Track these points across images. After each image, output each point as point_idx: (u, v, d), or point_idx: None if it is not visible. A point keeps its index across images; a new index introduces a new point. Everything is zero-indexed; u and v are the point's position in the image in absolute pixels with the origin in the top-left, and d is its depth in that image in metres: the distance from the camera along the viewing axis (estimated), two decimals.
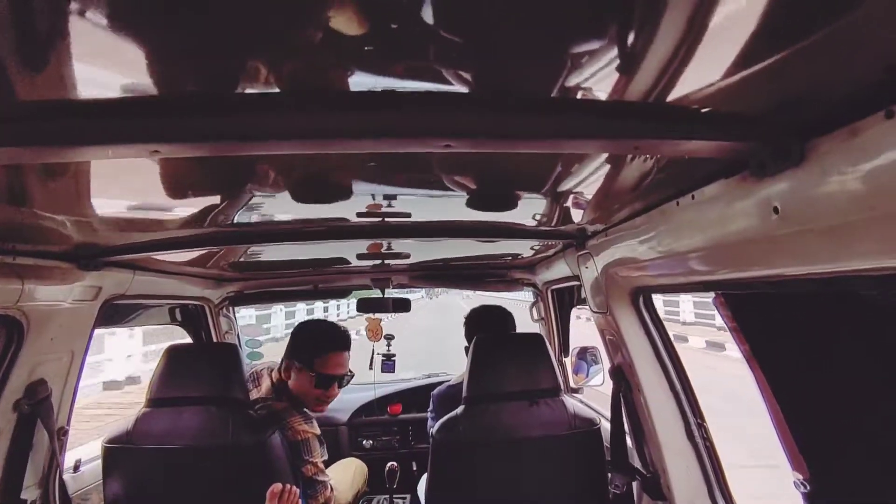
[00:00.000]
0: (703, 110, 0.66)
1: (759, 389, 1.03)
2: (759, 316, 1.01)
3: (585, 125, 0.69)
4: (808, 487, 0.97)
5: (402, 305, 2.79)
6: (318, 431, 1.90)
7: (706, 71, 0.60)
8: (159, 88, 0.61)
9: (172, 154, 0.71)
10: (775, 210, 0.73)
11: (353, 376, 2.03)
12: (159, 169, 0.92)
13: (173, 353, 1.78)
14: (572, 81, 0.63)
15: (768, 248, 0.81)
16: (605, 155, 0.94)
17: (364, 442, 2.89)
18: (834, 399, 0.92)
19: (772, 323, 1.00)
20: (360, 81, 0.63)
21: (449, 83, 0.64)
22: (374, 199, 1.23)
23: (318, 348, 1.93)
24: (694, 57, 0.56)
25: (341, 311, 21.74)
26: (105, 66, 0.57)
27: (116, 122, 0.64)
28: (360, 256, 2.21)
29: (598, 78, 0.62)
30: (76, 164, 0.87)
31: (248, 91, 0.63)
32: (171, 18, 0.50)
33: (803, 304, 0.93)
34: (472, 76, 0.63)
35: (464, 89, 0.65)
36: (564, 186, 1.13)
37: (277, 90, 0.63)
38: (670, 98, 0.65)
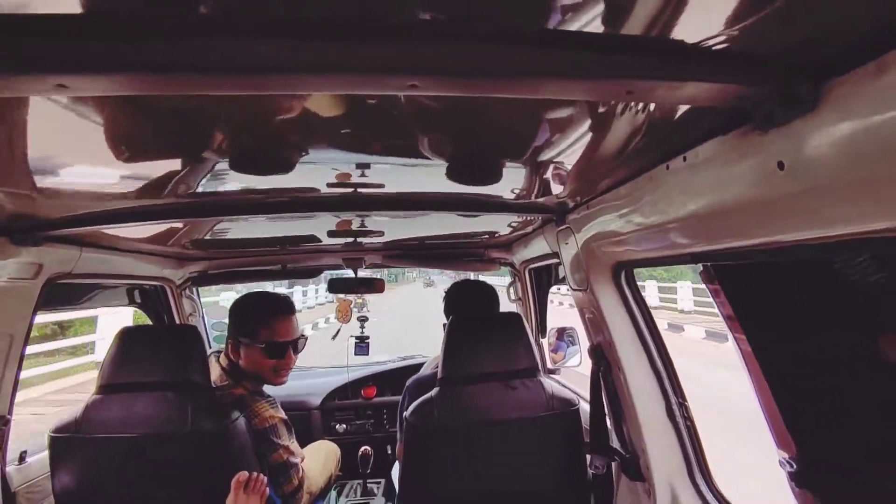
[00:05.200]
0: (705, 45, 0.58)
1: (744, 362, 0.98)
2: (747, 284, 0.96)
3: (572, 62, 0.60)
4: (795, 466, 0.93)
5: (376, 286, 2.71)
6: (284, 416, 1.81)
7: (706, 2, 0.52)
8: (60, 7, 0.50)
9: (83, 90, 0.59)
10: (780, 165, 0.66)
11: (306, 339, 1.94)
12: (105, 127, 0.80)
13: (127, 336, 1.66)
14: (557, 12, 0.54)
15: (769, 210, 0.73)
16: (588, 120, 0.86)
17: (337, 426, 2.84)
18: (825, 373, 0.88)
19: (760, 291, 0.95)
20: (308, 7, 0.53)
21: (412, 12, 0.54)
22: (346, 167, 1.14)
23: (261, 318, 1.83)
24: None
25: (309, 297, 21.30)
26: None
27: (10, 45, 0.52)
28: (331, 234, 2.10)
29: (586, 9, 0.53)
30: (2, 119, 0.75)
31: (171, 11, 0.52)
32: None
33: (796, 270, 0.87)
34: (441, 3, 0.53)
35: (429, 18, 0.55)
36: (545, 156, 1.05)
37: (206, 11, 0.52)
38: (666, 34, 0.57)
